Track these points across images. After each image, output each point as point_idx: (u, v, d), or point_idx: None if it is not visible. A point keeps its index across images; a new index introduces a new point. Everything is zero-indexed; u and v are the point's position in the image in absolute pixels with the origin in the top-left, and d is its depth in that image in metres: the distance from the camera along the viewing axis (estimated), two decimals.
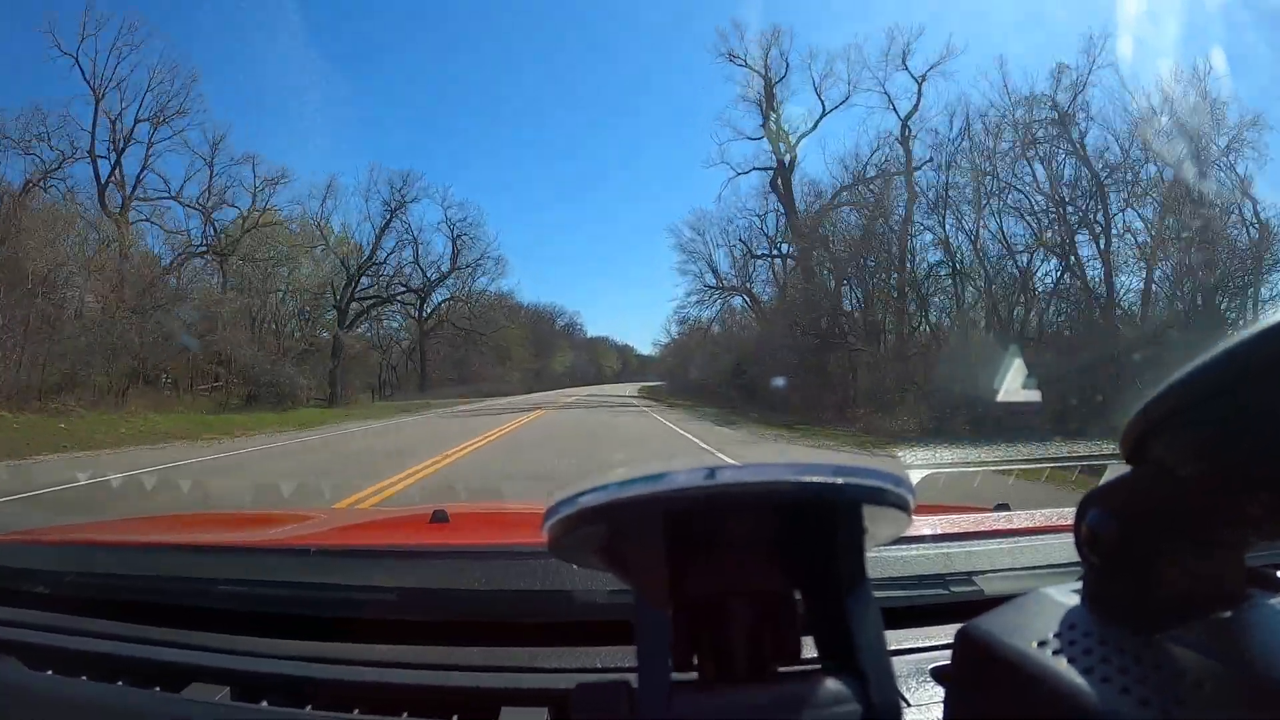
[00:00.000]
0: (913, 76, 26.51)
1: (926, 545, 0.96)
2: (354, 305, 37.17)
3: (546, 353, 67.92)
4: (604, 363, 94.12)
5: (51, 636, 0.98)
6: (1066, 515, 0.56)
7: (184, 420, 17.91)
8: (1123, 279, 19.59)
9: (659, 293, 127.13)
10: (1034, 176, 21.07)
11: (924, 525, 1.06)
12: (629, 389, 57.03)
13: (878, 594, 0.49)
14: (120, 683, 0.86)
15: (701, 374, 35.17)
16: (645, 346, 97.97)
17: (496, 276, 48.17)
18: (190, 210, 29.09)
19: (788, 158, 31.52)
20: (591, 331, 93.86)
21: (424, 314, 43.06)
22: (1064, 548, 0.78)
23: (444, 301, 43.83)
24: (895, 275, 24.11)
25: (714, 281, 38.19)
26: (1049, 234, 20.70)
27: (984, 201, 21.70)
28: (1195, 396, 0.38)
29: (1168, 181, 18.57)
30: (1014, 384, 10.82)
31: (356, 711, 0.78)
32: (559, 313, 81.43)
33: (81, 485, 7.57)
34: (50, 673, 0.90)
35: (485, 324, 45.08)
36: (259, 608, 0.98)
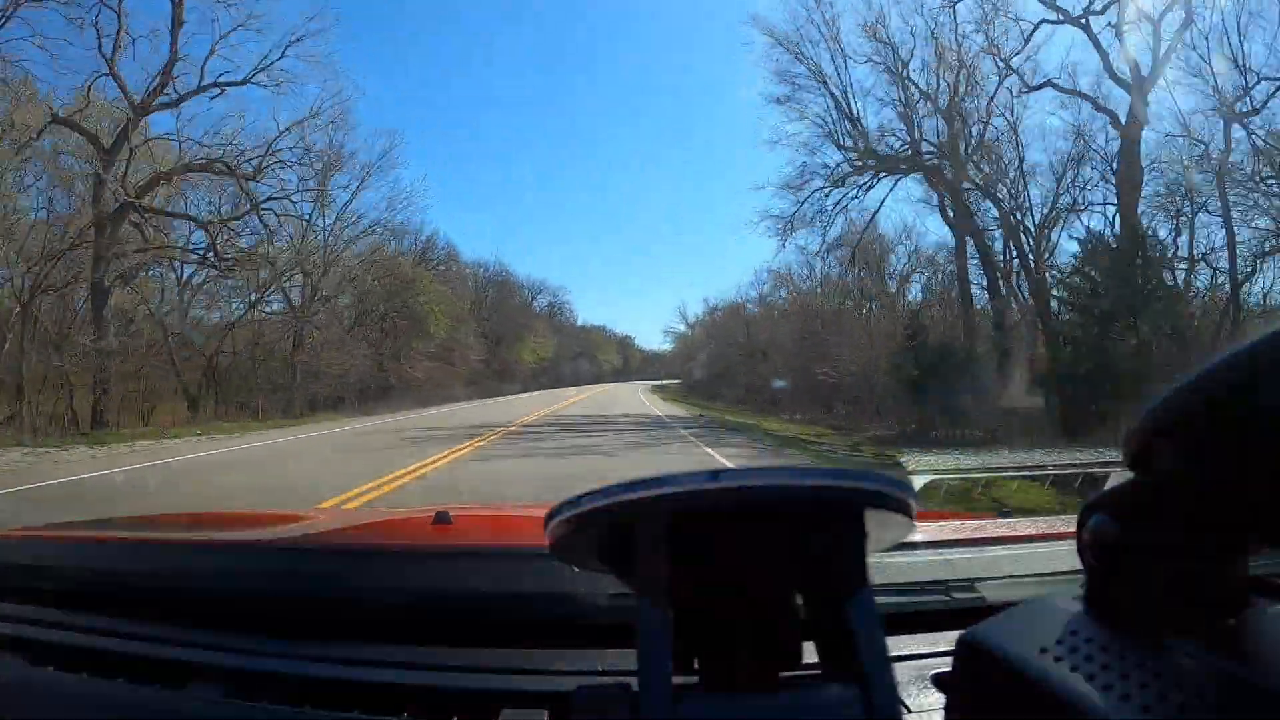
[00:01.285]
0: None
1: (928, 551, 0.96)
2: None
3: (513, 337, 47.69)
4: (600, 356, 75.28)
5: (53, 632, 0.98)
6: (1069, 522, 0.56)
7: None
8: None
9: (661, 286, 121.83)
10: None
11: (926, 531, 1.06)
12: (642, 393, 40.94)
13: (879, 599, 0.49)
14: (121, 679, 0.87)
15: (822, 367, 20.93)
16: (649, 343, 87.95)
17: (382, 166, 27.20)
18: None
19: None
20: (583, 323, 75.35)
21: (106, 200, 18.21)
22: (1066, 554, 0.78)
23: (174, 172, 20.02)
24: None
25: (852, 139, 19.49)
26: None
27: None
28: (1196, 405, 0.39)
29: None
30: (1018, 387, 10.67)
31: (356, 711, 0.78)
32: (539, 288, 59.90)
33: None
34: (51, 669, 0.90)
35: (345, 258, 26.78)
36: (260, 606, 0.98)
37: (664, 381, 57.93)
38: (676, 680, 0.46)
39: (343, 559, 1.09)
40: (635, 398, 36.22)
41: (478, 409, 25.63)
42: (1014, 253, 18.72)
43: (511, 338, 49.33)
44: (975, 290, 19.65)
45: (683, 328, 57.45)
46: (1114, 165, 16.64)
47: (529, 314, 57.01)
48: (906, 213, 27.27)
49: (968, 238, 19.26)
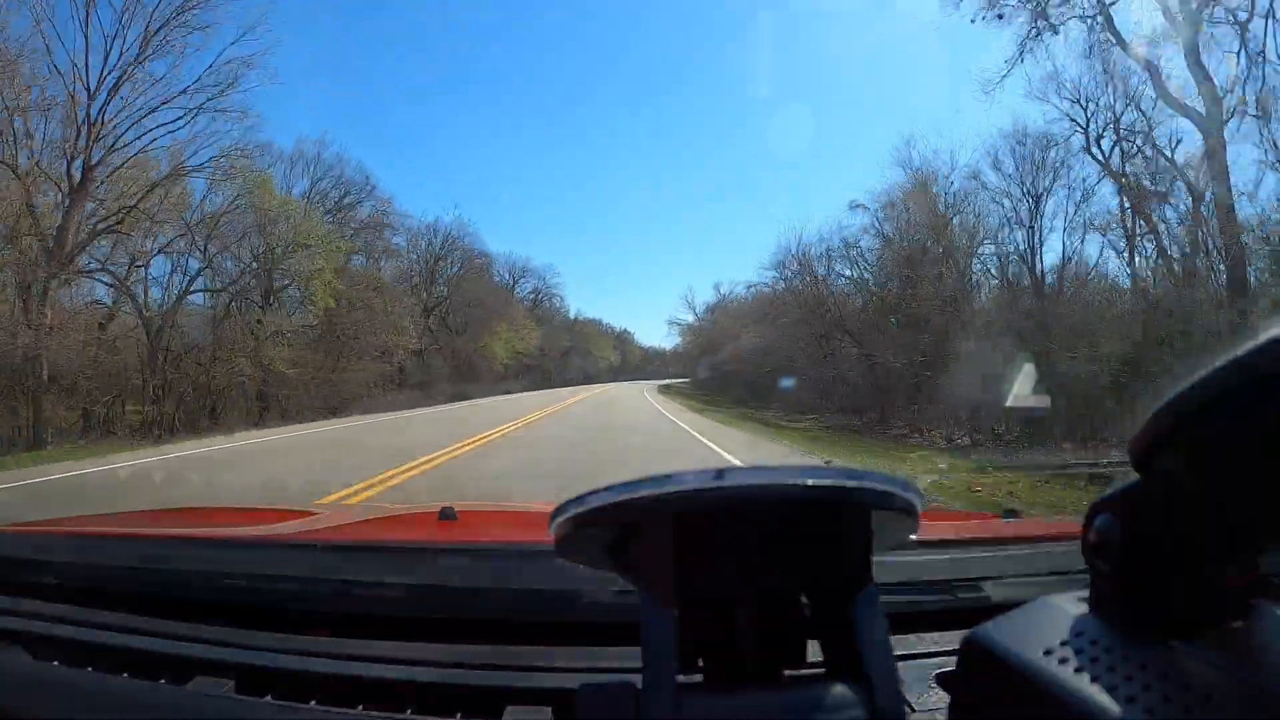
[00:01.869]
0: None
1: (934, 550, 0.96)
2: None
3: (481, 325, 37.08)
4: (596, 352, 65.32)
5: (57, 627, 0.99)
6: (1074, 524, 0.56)
7: None
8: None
9: (659, 281, 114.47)
10: None
11: (932, 530, 1.06)
12: (653, 397, 31.02)
13: (884, 599, 0.49)
14: (125, 674, 0.87)
15: None
16: (648, 339, 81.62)
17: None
18: None
19: None
20: (575, 316, 65.06)
21: None
22: (1072, 555, 0.78)
23: None
24: None
25: None
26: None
27: None
28: (1201, 407, 0.38)
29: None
30: (1024, 389, 10.47)
31: (361, 707, 0.78)
32: (522, 270, 48.98)
33: None
34: (56, 663, 0.91)
35: None
36: (265, 601, 0.98)
37: (669, 381, 51.80)
38: (681, 679, 0.46)
39: (348, 554, 1.09)
40: (650, 409, 23.62)
41: (315, 445, 13.28)
42: None
43: (479, 326, 36.86)
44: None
45: (689, 318, 49.48)
46: None
47: (506, 298, 43.68)
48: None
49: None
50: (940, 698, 0.73)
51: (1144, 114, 14.85)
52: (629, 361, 74.84)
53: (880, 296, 19.49)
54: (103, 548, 1.20)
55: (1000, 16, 12.86)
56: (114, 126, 16.75)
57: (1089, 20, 13.58)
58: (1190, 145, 14.05)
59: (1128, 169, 15.39)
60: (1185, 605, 0.45)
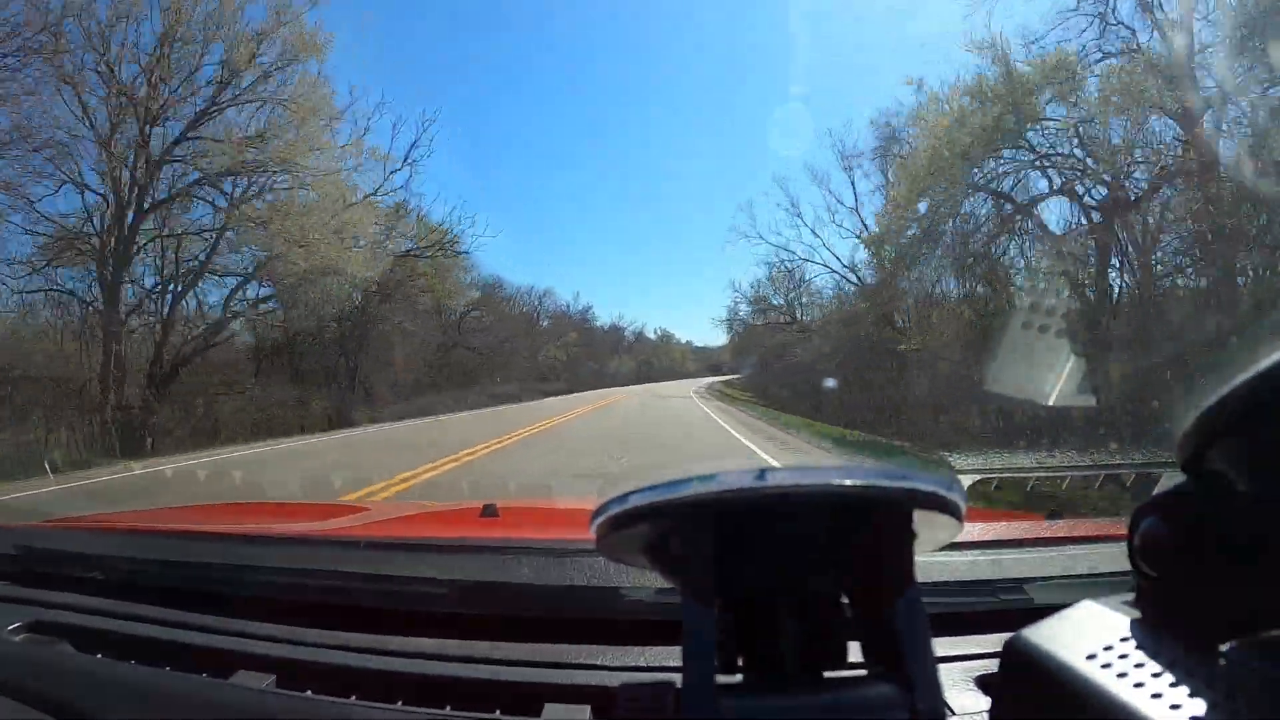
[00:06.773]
0: None
1: (976, 551, 0.94)
2: None
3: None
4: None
5: (102, 621, 1.02)
6: (1120, 525, 0.55)
7: None
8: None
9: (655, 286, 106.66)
10: None
11: (974, 531, 1.04)
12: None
13: (925, 599, 0.49)
14: (168, 668, 0.89)
15: None
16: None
17: None
18: None
19: None
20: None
21: None
22: (1117, 557, 0.77)
23: None
24: None
25: None
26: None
27: None
28: (1250, 406, 0.38)
29: None
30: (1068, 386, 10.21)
31: (400, 703, 0.80)
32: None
33: None
34: (100, 656, 0.94)
35: None
36: (307, 597, 1.00)
37: (705, 380, 44.56)
38: (720, 679, 0.47)
39: (390, 552, 1.10)
40: None
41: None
42: None
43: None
44: None
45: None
46: None
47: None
48: None
49: None
50: (981, 701, 0.72)
51: None
52: (599, 352, 59.42)
53: None
54: (146, 543, 1.23)
55: None
56: None
57: None
58: None
59: None
60: (1232, 611, 0.43)
